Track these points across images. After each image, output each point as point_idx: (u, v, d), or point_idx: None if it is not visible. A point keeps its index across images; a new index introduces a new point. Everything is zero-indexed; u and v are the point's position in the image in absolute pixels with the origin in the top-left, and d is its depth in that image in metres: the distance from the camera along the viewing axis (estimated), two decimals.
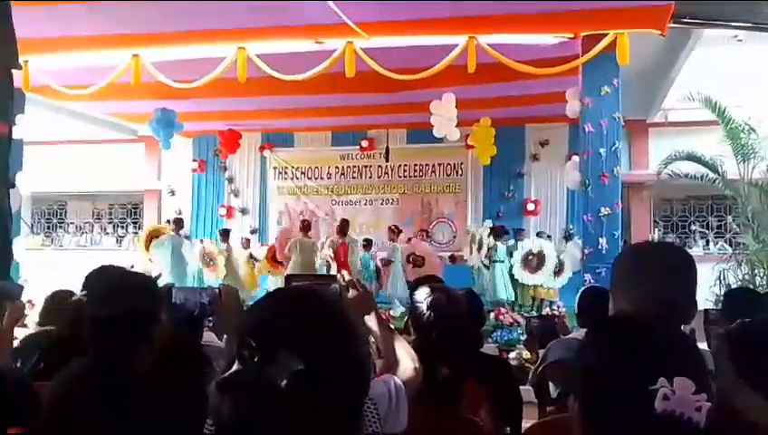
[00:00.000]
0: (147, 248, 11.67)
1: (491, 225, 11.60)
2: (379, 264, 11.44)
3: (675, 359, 1.13)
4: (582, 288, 4.17)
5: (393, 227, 11.72)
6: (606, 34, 7.26)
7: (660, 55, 8.69)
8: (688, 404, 1.06)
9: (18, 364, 2.65)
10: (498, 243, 10.87)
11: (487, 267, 10.89)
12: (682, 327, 1.77)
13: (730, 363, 1.64)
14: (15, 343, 2.86)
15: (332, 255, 11.04)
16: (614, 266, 1.86)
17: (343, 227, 11.46)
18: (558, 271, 10.76)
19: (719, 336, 2.01)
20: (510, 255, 10.84)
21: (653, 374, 1.07)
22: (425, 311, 2.58)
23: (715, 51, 8.42)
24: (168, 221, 12.42)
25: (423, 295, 2.64)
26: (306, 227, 11.58)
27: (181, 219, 12.14)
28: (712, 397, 1.08)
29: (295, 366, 1.08)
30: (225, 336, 3.31)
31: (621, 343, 1.18)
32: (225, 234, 12.47)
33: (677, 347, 1.17)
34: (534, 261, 10.73)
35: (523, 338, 7.88)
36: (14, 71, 3.96)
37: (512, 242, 11.05)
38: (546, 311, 10.21)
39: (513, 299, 10.74)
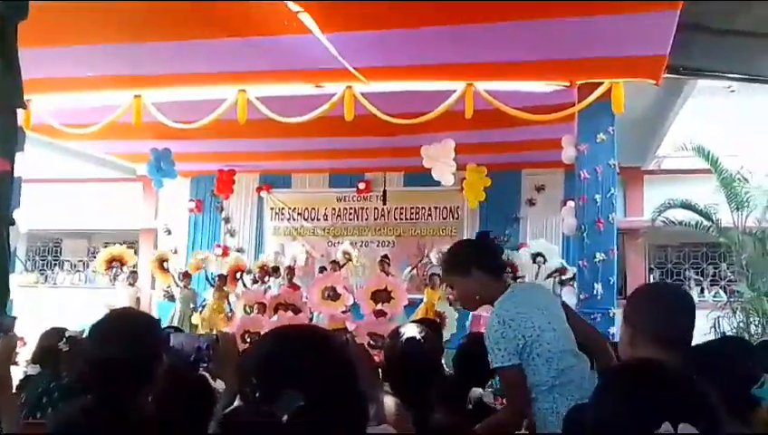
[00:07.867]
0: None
1: None
2: None
3: (686, 404, 1.13)
4: None
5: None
6: (601, 83, 7.38)
7: (655, 104, 8.80)
8: None
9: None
10: None
11: None
12: None
13: None
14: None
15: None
16: (628, 303, 1.88)
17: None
18: None
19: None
20: None
21: (663, 419, 1.08)
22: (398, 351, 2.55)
23: (709, 101, 8.55)
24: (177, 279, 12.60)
25: (396, 335, 2.60)
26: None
27: (188, 273, 12.30)
28: None
29: (297, 403, 1.08)
30: (219, 381, 3.29)
31: (635, 387, 1.19)
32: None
33: (690, 392, 1.17)
34: None
35: None
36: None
37: None
38: None
39: None
